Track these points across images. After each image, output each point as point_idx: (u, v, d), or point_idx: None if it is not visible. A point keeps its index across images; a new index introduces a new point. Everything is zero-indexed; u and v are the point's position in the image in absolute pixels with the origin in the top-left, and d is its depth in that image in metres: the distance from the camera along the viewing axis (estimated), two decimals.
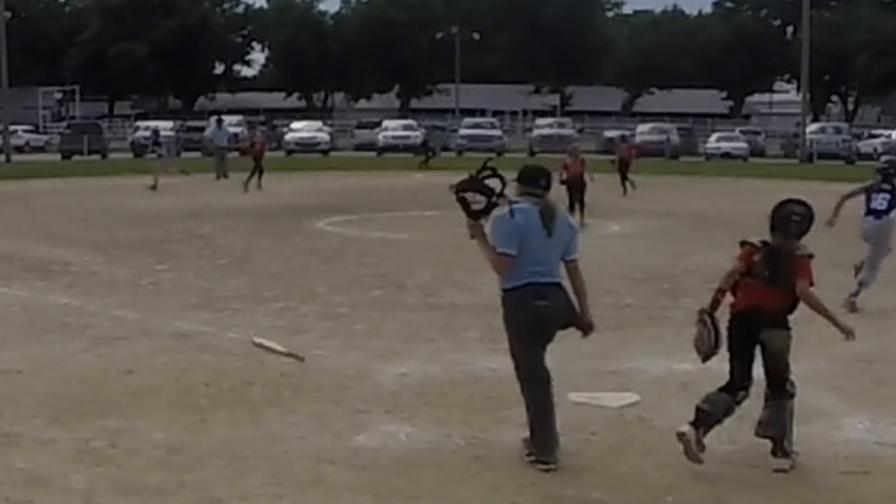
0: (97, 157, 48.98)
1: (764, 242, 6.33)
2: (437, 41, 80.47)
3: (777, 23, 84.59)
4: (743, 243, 6.45)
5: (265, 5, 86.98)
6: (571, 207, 19.72)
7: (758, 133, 59.93)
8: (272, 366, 8.46)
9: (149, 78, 75.22)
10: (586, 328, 6.35)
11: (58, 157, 49.49)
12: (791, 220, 6.28)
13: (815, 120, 65.85)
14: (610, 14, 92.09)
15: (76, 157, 48.38)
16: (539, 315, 6.09)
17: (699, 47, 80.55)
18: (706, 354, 6.34)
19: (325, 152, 51.72)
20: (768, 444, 6.30)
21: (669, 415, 6.98)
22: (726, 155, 49.63)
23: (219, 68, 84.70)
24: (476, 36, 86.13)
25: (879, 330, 10.39)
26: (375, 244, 16.36)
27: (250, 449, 6.43)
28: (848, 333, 6.35)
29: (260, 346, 9.03)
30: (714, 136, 54.32)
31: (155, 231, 18.23)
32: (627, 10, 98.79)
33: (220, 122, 35.75)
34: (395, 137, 53.65)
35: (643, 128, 55.73)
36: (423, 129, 50.92)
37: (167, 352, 8.98)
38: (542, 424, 6.18)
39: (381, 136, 54.12)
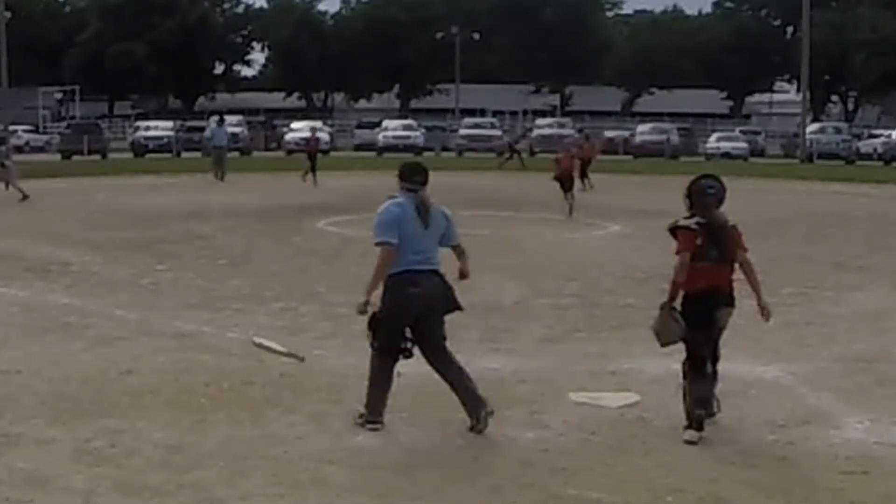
0: (97, 157, 48.98)
1: (699, 223, 6.59)
2: (437, 41, 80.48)
3: (777, 23, 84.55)
4: (674, 229, 6.72)
5: (265, 5, 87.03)
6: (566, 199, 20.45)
7: (758, 133, 59.78)
8: (272, 366, 8.46)
9: (149, 78, 75.18)
10: (465, 276, 7.02)
11: (58, 157, 49.38)
12: (707, 192, 6.74)
13: (815, 120, 65.77)
14: (609, 14, 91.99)
15: (76, 157, 48.36)
16: (410, 301, 6.64)
17: (699, 47, 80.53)
18: (672, 341, 6.74)
19: (325, 152, 51.69)
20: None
21: (669, 415, 6.98)
22: (726, 155, 49.57)
23: (219, 68, 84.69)
24: (476, 36, 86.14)
25: (879, 330, 10.41)
26: None
27: (250, 449, 6.43)
28: (767, 313, 6.75)
29: (260, 346, 9.01)
30: (714, 136, 54.21)
31: (155, 231, 18.22)
32: (627, 10, 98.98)
33: (221, 122, 35.62)
34: (395, 137, 53.61)
35: (643, 128, 55.68)
36: (522, 130, 52.14)
37: (167, 352, 8.97)
38: (377, 390, 6.76)
39: (381, 136, 54.05)
